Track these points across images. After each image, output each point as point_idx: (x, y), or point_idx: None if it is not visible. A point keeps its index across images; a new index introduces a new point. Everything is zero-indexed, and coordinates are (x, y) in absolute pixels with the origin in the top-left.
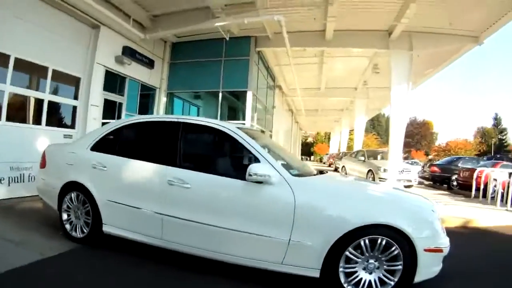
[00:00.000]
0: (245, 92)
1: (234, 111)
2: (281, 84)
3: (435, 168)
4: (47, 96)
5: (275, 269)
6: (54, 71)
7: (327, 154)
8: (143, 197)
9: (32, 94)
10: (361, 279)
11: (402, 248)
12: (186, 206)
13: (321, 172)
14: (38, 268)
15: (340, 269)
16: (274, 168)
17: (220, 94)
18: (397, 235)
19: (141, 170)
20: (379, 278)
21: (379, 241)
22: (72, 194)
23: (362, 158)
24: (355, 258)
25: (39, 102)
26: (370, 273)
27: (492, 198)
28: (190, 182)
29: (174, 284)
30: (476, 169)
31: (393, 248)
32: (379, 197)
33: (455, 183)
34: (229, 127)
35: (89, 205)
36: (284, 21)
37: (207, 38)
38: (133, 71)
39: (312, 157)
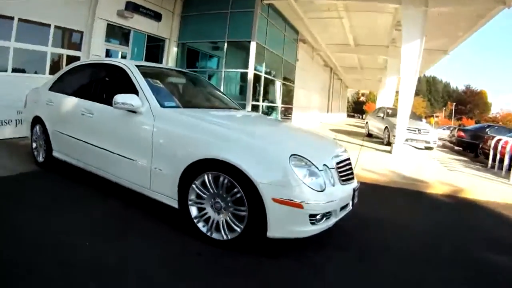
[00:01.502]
0: (249, 42)
1: (240, 60)
2: (307, 38)
3: (462, 134)
4: (49, 49)
5: (148, 195)
6: (56, 26)
7: None
8: (71, 126)
9: (35, 48)
10: (209, 217)
11: (245, 191)
12: (91, 132)
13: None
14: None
15: (190, 202)
16: (147, 99)
17: (226, 44)
18: (240, 176)
19: (71, 104)
20: (226, 221)
21: (221, 178)
22: (37, 127)
23: (381, 115)
24: (202, 194)
25: (42, 55)
26: (219, 214)
27: (508, 170)
28: (94, 112)
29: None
30: (501, 139)
31: (235, 190)
32: (231, 135)
33: (481, 151)
34: (126, 63)
35: (44, 135)
36: None
37: None
38: (138, 23)
39: (364, 115)
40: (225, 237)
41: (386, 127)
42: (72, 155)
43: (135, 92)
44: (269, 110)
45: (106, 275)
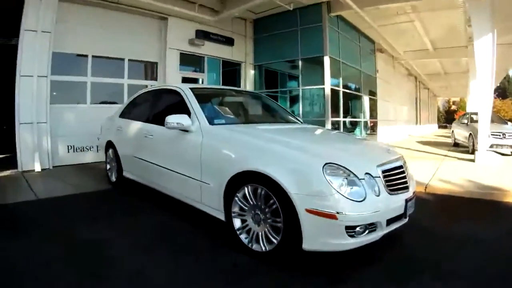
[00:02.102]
0: (322, 57)
1: (316, 76)
2: (384, 47)
3: None
4: (125, 81)
5: (200, 208)
6: (130, 60)
7: None
8: (137, 148)
9: (112, 81)
10: (250, 228)
11: (280, 202)
12: (152, 152)
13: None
14: (72, 196)
15: (234, 214)
16: (197, 118)
17: (300, 62)
18: (275, 187)
19: (136, 128)
20: (265, 233)
21: (259, 190)
22: (110, 150)
23: (465, 122)
24: (243, 206)
25: (120, 86)
26: (258, 225)
27: None
28: (153, 133)
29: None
30: None
31: (271, 201)
32: (268, 146)
33: None
34: (181, 86)
35: (116, 157)
36: None
37: (281, 11)
38: (211, 50)
39: None
40: (263, 248)
41: (470, 134)
42: (138, 174)
43: (188, 112)
44: (352, 126)
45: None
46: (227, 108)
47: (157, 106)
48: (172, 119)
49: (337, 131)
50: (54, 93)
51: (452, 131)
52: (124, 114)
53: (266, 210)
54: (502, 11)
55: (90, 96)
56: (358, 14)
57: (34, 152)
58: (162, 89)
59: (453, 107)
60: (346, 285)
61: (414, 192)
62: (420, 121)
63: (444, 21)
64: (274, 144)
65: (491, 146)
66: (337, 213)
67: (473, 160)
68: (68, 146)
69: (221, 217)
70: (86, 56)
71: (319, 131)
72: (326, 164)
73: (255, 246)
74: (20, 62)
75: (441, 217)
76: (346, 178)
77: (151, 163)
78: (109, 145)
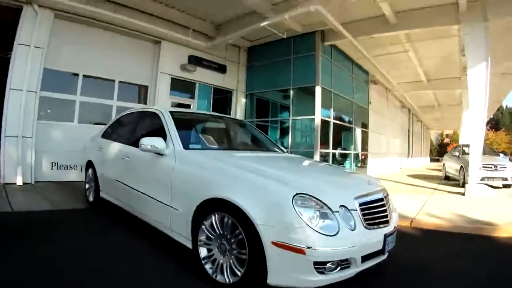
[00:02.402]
0: (314, 87)
1: (307, 106)
2: (378, 78)
3: None
4: (115, 103)
5: (169, 234)
6: (120, 82)
7: None
8: (114, 169)
9: (101, 102)
10: (215, 258)
11: (246, 232)
12: (127, 174)
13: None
14: (47, 212)
15: (200, 243)
16: (172, 142)
17: (292, 91)
18: (242, 216)
19: (115, 149)
20: (229, 265)
21: (225, 219)
22: (90, 170)
23: (457, 154)
24: (209, 235)
25: (109, 108)
26: (224, 256)
27: None
28: (129, 156)
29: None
30: None
31: (237, 231)
32: (238, 174)
33: None
34: (160, 109)
35: (94, 177)
36: (324, 10)
37: (275, 40)
38: (202, 76)
39: None
40: (227, 280)
41: (461, 166)
42: (114, 195)
43: (165, 136)
44: (342, 158)
45: None
46: (207, 134)
47: (137, 128)
48: (147, 141)
49: (323, 163)
50: (42, 110)
51: (443, 164)
52: (106, 135)
53: (232, 240)
54: (498, 40)
55: (78, 115)
56: (352, 44)
57: (17, 165)
58: (144, 111)
59: (446, 140)
60: None
61: (395, 227)
62: (412, 154)
63: (438, 50)
64: (246, 171)
65: (482, 179)
66: (306, 247)
67: (463, 194)
68: (52, 163)
69: (188, 244)
70: (77, 74)
71: (301, 161)
72: (296, 194)
73: (219, 277)
74: (11, 75)
75: (423, 253)
76: (318, 211)
77: (126, 185)
78: (89, 164)
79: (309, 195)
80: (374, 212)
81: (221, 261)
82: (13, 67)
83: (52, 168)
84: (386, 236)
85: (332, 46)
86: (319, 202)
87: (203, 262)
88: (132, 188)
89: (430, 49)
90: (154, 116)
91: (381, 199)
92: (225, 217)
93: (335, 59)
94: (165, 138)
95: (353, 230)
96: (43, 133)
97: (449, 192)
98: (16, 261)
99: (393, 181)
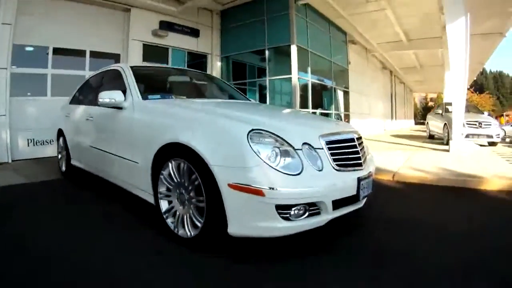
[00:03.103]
0: (289, 46)
1: (284, 66)
2: (356, 38)
3: None
4: (87, 73)
5: (134, 192)
6: (92, 52)
7: None
8: (80, 133)
9: (73, 73)
10: (176, 211)
11: (202, 176)
12: (91, 135)
13: None
14: (19, 186)
15: (160, 196)
16: (131, 94)
17: (267, 52)
18: (197, 159)
19: (80, 112)
20: (189, 216)
21: (181, 165)
22: (60, 139)
23: (440, 112)
24: (168, 185)
25: (81, 78)
26: (184, 207)
27: None
28: (93, 116)
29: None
30: None
31: (193, 176)
32: (193, 116)
33: None
34: (122, 65)
35: (65, 145)
36: None
37: (248, 1)
38: (175, 41)
39: None
40: (188, 234)
41: (445, 124)
42: (84, 160)
43: (125, 90)
44: None
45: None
46: (171, 86)
47: (100, 88)
48: (104, 95)
49: (293, 109)
50: (15, 86)
51: (427, 123)
52: (74, 100)
53: (190, 188)
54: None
55: (50, 88)
56: (326, 2)
57: None
58: (107, 70)
59: (431, 103)
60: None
61: (370, 172)
62: (396, 116)
63: (417, 9)
64: (203, 113)
65: (467, 136)
66: (265, 188)
67: (447, 150)
68: (28, 140)
69: (151, 199)
70: (47, 48)
71: (268, 107)
72: (252, 130)
73: (181, 232)
74: None
75: (407, 205)
76: (278, 148)
77: (92, 147)
78: (60, 133)
79: (266, 130)
80: (344, 152)
81: (181, 213)
82: None
83: (28, 145)
84: (359, 180)
85: (307, 5)
86: (278, 138)
87: (164, 216)
88: (97, 148)
89: (408, 8)
90: (116, 73)
91: (352, 139)
92: (181, 163)
93: (311, 18)
94: (125, 93)
95: (320, 171)
96: (17, 110)
97: (433, 149)
98: None
99: (376, 141)
